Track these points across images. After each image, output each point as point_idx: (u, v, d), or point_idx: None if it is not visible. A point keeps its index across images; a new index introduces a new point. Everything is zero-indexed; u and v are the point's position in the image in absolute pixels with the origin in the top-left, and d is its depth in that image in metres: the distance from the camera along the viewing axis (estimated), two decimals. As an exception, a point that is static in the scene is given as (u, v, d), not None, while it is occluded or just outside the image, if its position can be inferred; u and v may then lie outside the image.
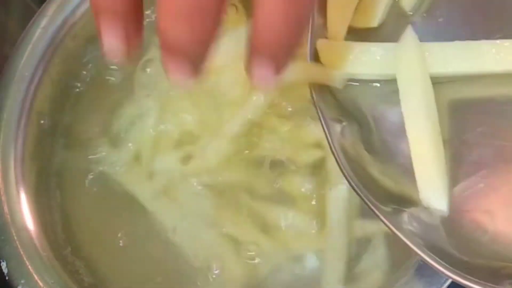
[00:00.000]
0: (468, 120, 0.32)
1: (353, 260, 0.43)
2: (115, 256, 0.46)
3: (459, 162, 0.31)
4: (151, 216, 0.46)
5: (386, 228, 0.41)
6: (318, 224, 0.44)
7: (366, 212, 0.43)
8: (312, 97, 0.33)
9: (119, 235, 0.46)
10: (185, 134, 0.48)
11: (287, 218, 0.45)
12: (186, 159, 0.48)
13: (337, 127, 0.32)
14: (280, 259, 0.44)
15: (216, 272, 0.44)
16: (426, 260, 0.29)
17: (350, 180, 0.30)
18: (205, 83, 0.48)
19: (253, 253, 0.44)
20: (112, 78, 0.51)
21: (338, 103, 0.33)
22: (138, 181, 0.48)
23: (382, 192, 0.31)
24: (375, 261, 0.42)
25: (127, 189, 0.47)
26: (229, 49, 0.49)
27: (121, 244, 0.46)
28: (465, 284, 0.28)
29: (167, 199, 0.47)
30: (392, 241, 0.42)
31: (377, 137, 0.33)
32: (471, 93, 0.32)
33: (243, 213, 0.46)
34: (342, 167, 0.31)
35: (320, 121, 0.32)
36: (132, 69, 0.51)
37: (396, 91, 0.32)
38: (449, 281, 0.36)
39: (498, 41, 0.31)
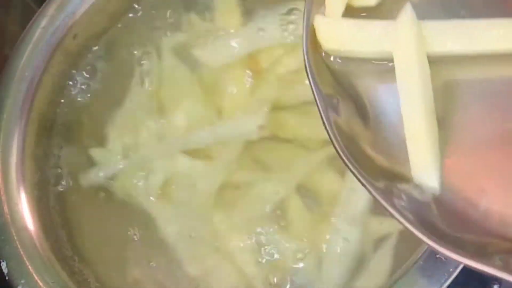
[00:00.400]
0: (464, 99, 0.32)
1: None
2: (115, 255, 0.46)
3: (454, 142, 0.31)
4: (151, 216, 0.46)
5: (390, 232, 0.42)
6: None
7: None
8: (307, 72, 0.33)
9: (118, 234, 0.46)
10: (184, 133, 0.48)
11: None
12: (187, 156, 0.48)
13: (332, 103, 0.32)
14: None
15: (214, 277, 0.44)
16: (416, 234, 0.28)
17: (343, 155, 0.30)
18: (205, 82, 0.49)
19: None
20: (112, 78, 0.51)
21: (334, 80, 0.33)
22: (135, 182, 0.47)
23: (375, 168, 0.31)
24: (378, 263, 0.42)
25: (124, 190, 0.47)
26: (230, 50, 0.49)
27: (120, 244, 0.46)
28: (454, 258, 0.28)
29: (166, 200, 0.47)
30: (393, 242, 0.42)
31: (372, 115, 0.32)
32: (468, 73, 0.32)
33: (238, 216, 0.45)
34: (335, 142, 0.31)
35: (314, 96, 0.32)
36: (130, 67, 0.51)
37: (392, 70, 0.32)
38: (450, 280, 0.36)
39: (498, 20, 0.31)
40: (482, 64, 0.32)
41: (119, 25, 0.52)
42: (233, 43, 0.49)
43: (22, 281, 0.41)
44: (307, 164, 0.45)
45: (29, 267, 0.41)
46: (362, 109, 0.33)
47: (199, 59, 0.49)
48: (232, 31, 0.50)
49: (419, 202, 0.30)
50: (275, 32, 0.49)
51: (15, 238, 0.42)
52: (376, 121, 0.32)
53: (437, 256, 0.37)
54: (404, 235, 0.42)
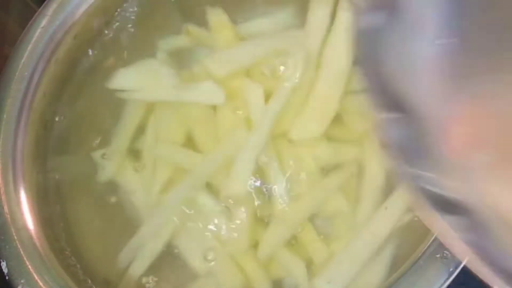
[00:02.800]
0: None
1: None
2: (115, 255, 0.46)
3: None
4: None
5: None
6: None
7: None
8: None
9: (119, 235, 0.46)
10: (186, 138, 0.48)
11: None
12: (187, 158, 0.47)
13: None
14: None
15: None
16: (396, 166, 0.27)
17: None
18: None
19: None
20: (110, 80, 0.51)
21: None
22: (133, 181, 0.47)
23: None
24: (376, 262, 0.42)
25: (123, 190, 0.48)
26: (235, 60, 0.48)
27: (120, 244, 0.46)
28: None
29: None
30: (393, 242, 0.42)
31: None
32: None
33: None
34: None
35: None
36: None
37: None
38: (450, 280, 0.36)
39: None
40: None
41: (116, 26, 0.53)
42: (237, 53, 0.48)
43: (22, 281, 0.41)
44: (320, 192, 0.45)
45: (29, 267, 0.42)
46: None
47: (207, 68, 0.48)
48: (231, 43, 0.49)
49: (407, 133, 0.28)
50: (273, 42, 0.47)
51: (15, 238, 0.42)
52: None
53: (437, 255, 0.37)
54: (403, 235, 0.42)
